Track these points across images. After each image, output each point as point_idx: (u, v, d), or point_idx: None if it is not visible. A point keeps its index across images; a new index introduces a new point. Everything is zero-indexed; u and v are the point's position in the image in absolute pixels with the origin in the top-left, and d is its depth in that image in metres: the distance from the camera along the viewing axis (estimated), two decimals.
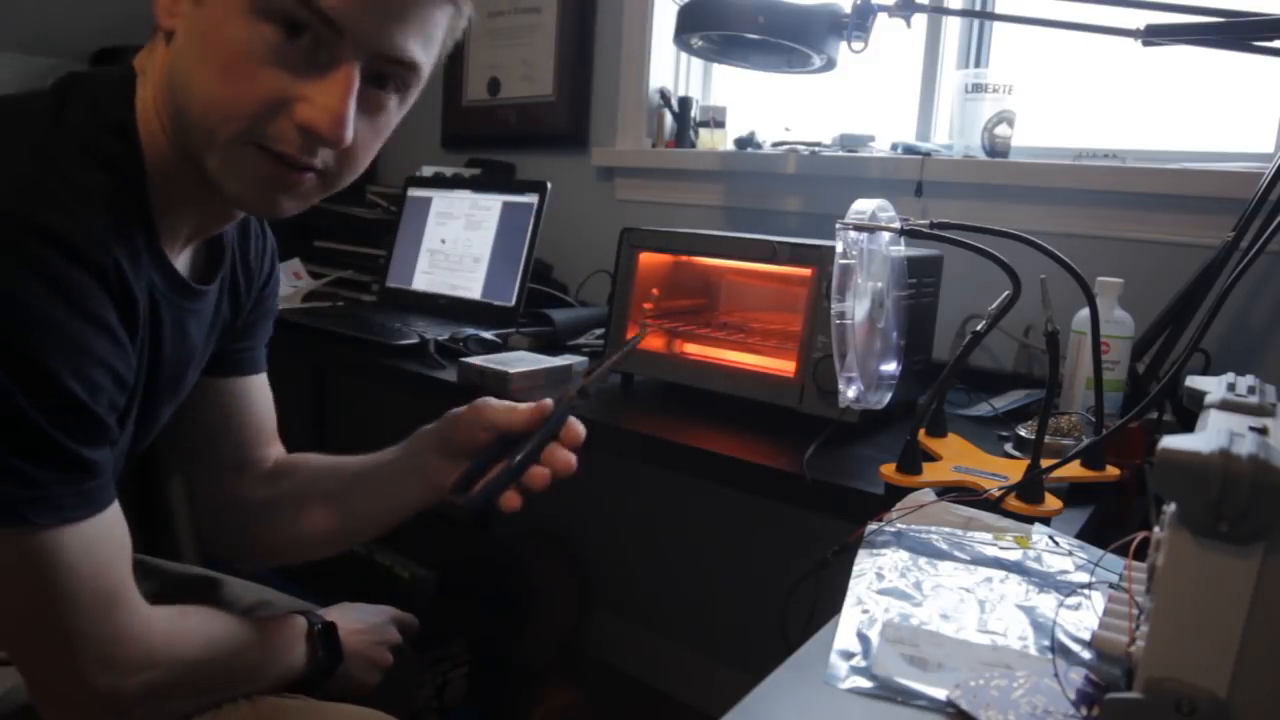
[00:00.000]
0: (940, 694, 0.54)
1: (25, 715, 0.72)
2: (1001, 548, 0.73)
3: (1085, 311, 0.96)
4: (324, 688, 0.89)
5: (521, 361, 1.30)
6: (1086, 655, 0.57)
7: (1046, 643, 0.59)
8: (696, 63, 1.95)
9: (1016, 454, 1.02)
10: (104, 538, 0.66)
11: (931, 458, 0.95)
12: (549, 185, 1.66)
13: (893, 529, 0.76)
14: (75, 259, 0.61)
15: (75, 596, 0.65)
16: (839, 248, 0.90)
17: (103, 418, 0.64)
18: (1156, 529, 0.51)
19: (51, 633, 0.65)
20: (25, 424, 0.60)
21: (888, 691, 0.54)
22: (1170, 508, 0.45)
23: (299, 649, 0.86)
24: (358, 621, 0.96)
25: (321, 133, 0.66)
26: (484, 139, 2.19)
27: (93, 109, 0.68)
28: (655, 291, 1.30)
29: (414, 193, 1.86)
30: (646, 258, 1.27)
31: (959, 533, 0.75)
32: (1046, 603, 0.64)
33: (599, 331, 1.51)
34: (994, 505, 0.83)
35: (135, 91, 0.70)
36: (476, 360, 1.27)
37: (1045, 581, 0.68)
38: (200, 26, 0.66)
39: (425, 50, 0.70)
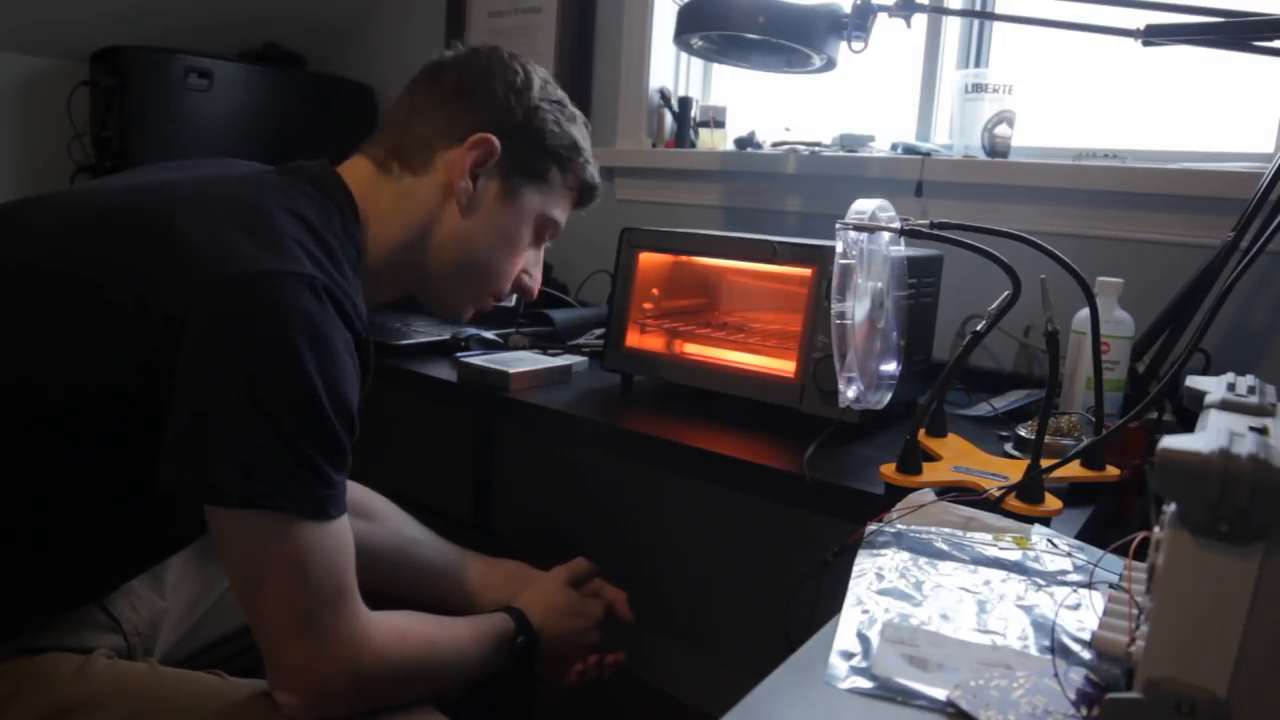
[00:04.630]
0: (940, 694, 0.54)
1: None
2: (1001, 548, 0.73)
3: (1085, 311, 0.96)
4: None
5: (521, 361, 1.30)
6: (1086, 655, 0.57)
7: (1046, 643, 0.59)
8: (696, 63, 1.95)
9: (1016, 454, 1.02)
10: (345, 538, 0.77)
11: (931, 458, 0.95)
12: None
13: (893, 529, 0.76)
14: (353, 315, 0.78)
15: (320, 586, 0.74)
16: (839, 248, 0.90)
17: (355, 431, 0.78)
18: (1156, 529, 0.51)
19: (300, 617, 0.74)
20: (332, 433, 0.73)
21: (888, 691, 0.55)
22: (1170, 508, 0.45)
23: (500, 659, 0.99)
24: (564, 620, 1.12)
25: (530, 296, 1.07)
26: None
27: (341, 221, 0.88)
28: (655, 291, 1.30)
29: None
30: (646, 257, 1.27)
31: (959, 533, 0.75)
32: (1046, 603, 0.64)
33: (599, 331, 1.51)
34: (994, 505, 0.83)
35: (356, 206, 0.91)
36: (476, 360, 1.28)
37: (1045, 581, 0.68)
38: (501, 219, 0.98)
39: None
